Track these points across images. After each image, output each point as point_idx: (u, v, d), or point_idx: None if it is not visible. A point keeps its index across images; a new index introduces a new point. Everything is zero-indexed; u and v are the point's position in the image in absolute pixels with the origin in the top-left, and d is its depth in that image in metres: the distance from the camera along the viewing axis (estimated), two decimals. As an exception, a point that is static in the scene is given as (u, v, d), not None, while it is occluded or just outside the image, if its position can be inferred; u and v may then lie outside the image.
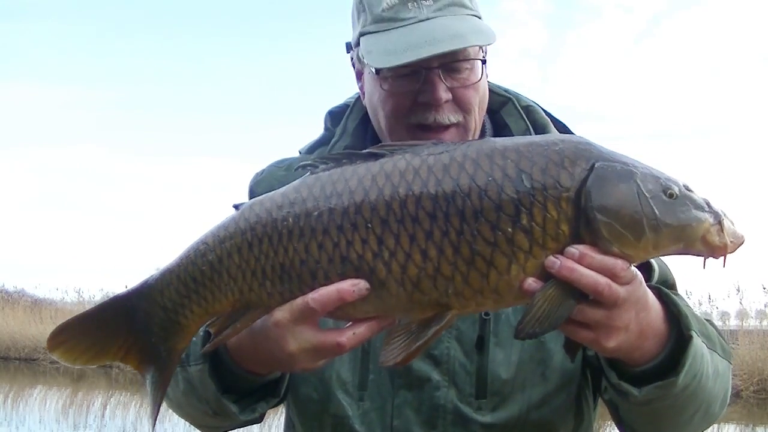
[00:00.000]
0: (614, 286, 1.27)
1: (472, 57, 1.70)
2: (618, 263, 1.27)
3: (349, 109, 1.93)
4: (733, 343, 15.30)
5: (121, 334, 1.48)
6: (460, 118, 1.71)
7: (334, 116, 1.96)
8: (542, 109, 1.91)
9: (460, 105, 1.71)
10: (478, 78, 1.71)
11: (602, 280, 1.26)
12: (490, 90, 1.87)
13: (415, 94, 1.69)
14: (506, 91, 1.92)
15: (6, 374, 21.43)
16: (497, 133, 1.88)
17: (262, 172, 1.94)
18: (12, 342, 24.04)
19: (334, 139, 1.90)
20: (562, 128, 1.90)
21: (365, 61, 1.71)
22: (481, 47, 1.72)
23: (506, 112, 1.88)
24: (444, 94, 1.68)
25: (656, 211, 1.27)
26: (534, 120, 1.87)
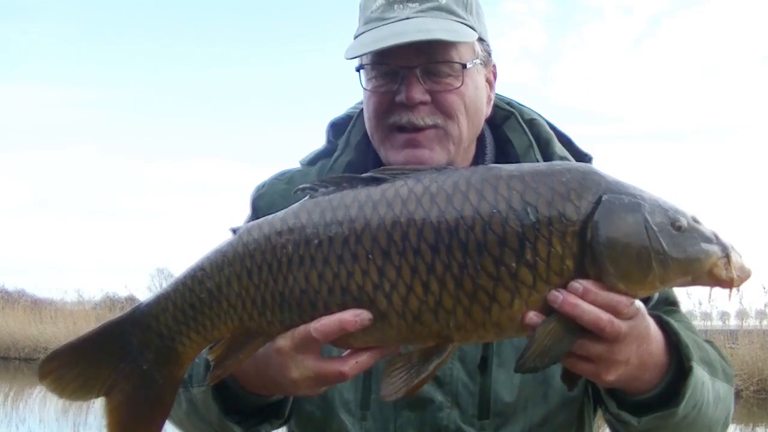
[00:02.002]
0: (616, 322, 1.26)
1: (456, 61, 1.69)
2: (622, 300, 1.26)
3: (352, 122, 1.91)
4: (733, 343, 15.28)
5: (111, 362, 1.42)
6: (439, 121, 1.70)
7: (337, 128, 1.95)
8: (547, 122, 1.89)
9: (441, 109, 1.69)
10: (459, 84, 1.69)
11: (604, 316, 1.25)
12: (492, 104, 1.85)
13: (393, 94, 1.70)
14: (509, 104, 1.90)
15: (6, 374, 21.40)
16: (499, 148, 1.86)
17: (263, 185, 1.93)
18: (12, 342, 24.01)
19: (336, 154, 1.89)
20: (567, 142, 1.88)
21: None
22: (476, 56, 1.72)
23: (509, 126, 1.86)
24: (420, 96, 1.67)
25: (664, 245, 1.25)
26: (537, 134, 1.85)
